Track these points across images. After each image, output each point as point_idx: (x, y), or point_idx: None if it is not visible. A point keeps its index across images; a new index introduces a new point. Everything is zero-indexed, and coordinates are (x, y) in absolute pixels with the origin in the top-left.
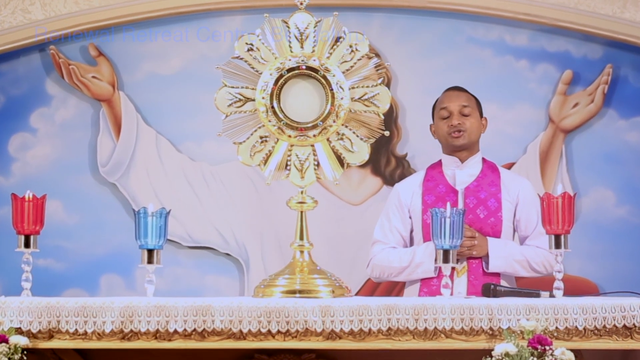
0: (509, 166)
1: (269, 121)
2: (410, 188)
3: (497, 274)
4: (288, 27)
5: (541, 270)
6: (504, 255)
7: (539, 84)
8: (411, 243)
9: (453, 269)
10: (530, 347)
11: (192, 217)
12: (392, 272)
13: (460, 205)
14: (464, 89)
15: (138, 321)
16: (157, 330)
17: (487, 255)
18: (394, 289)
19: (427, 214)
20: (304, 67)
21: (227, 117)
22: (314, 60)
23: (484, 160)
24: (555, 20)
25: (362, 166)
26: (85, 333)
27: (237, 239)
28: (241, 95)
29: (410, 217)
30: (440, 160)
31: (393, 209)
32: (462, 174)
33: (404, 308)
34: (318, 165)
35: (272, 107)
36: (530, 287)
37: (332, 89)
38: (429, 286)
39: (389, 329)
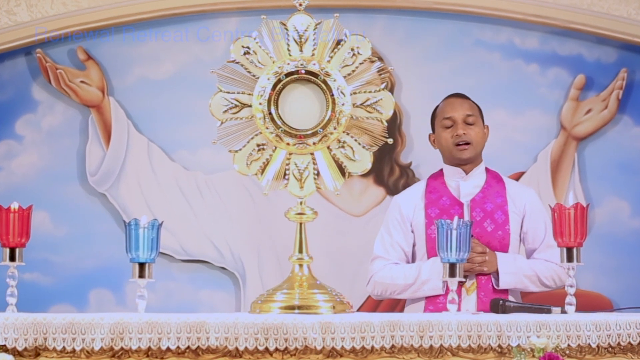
0: (519, 175)
1: (267, 128)
2: (412, 201)
3: (507, 290)
4: (286, 30)
5: (551, 285)
6: (514, 271)
7: (550, 89)
8: (413, 258)
9: (461, 285)
10: None
11: (186, 229)
12: (396, 289)
13: (467, 218)
14: (466, 95)
15: (129, 338)
16: (149, 348)
17: (496, 272)
18: (398, 304)
19: (432, 228)
20: (303, 71)
21: (222, 124)
22: (314, 64)
23: (487, 170)
24: (567, 22)
25: (365, 175)
26: (74, 351)
27: (233, 252)
28: (237, 101)
29: (412, 232)
30: (441, 170)
31: (394, 222)
32: (466, 185)
33: (408, 324)
34: (318, 174)
35: (270, 113)
36: (541, 302)
37: (332, 95)
38: (435, 304)
39: (393, 346)
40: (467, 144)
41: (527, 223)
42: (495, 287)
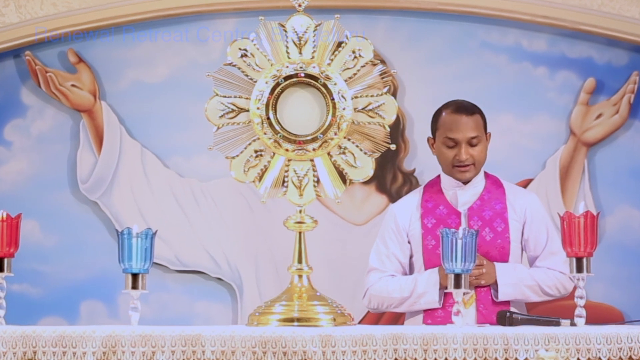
0: (527, 182)
1: (265, 134)
2: (408, 210)
3: (508, 302)
4: (285, 31)
5: (554, 294)
6: (514, 282)
7: (559, 93)
8: (410, 269)
9: None
10: None
11: (181, 239)
12: (392, 302)
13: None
14: (470, 109)
15: (122, 352)
16: None
17: (495, 283)
18: (401, 317)
19: (428, 238)
20: (302, 74)
21: (218, 129)
22: (314, 67)
23: (487, 175)
24: (577, 23)
25: (366, 183)
26: None
27: (229, 262)
28: (234, 105)
29: (409, 242)
30: (438, 177)
31: (390, 233)
32: (464, 193)
33: (411, 337)
34: (318, 181)
35: (268, 118)
36: (550, 314)
37: (333, 99)
38: (433, 317)
39: None
40: (468, 165)
41: (528, 230)
42: (495, 299)
